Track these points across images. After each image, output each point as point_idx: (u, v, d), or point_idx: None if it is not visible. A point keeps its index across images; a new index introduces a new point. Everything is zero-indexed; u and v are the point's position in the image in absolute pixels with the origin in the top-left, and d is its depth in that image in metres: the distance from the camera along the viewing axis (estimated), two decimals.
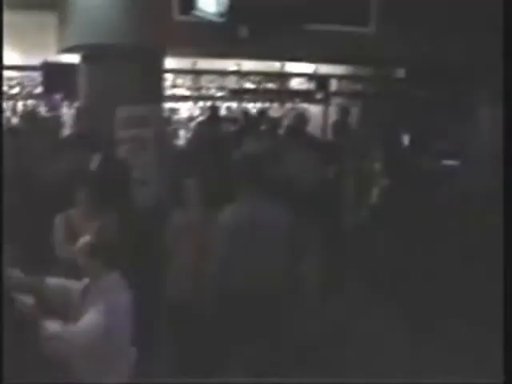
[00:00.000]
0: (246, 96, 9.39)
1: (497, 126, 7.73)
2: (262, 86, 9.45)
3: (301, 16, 6.09)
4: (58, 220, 3.99)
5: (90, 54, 6.44)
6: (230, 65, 8.92)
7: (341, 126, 7.56)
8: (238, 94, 9.32)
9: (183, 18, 6.01)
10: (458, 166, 6.98)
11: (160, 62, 6.67)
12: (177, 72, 8.71)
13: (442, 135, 7.70)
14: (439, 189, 5.92)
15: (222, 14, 5.87)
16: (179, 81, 8.93)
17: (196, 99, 9.16)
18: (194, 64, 8.70)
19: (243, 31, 5.83)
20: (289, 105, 9.60)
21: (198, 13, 5.84)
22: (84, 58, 6.65)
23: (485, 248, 5.19)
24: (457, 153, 7.28)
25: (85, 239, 3.07)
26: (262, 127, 7.38)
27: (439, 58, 6.95)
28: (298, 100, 9.61)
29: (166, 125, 7.60)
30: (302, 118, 6.77)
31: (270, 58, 8.22)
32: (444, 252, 5.28)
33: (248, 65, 8.91)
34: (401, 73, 9.50)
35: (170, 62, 7.59)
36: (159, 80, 6.79)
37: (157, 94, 6.67)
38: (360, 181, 5.93)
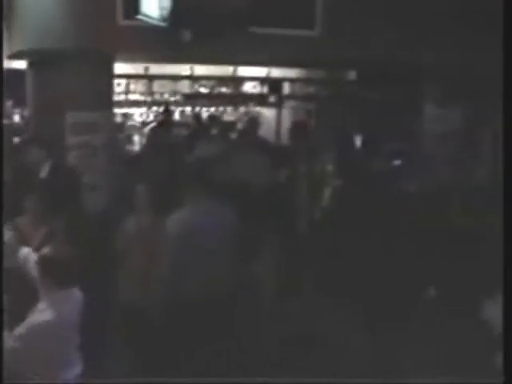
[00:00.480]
0: (200, 101, 9.38)
1: (445, 125, 7.96)
2: (215, 91, 9.45)
3: (245, 20, 6.05)
4: (6, 229, 3.93)
5: (36, 59, 6.33)
6: (183, 70, 8.89)
7: (294, 128, 7.61)
8: (191, 99, 9.31)
9: (127, 22, 5.95)
10: (408, 165, 7.10)
11: (109, 67, 6.58)
12: (128, 77, 8.64)
13: (392, 136, 7.83)
14: (391, 189, 6.01)
15: (165, 19, 5.79)
16: (132, 86, 8.88)
17: (149, 104, 9.11)
18: (147, 69, 8.65)
19: (187, 35, 5.78)
20: (242, 109, 9.63)
21: (141, 17, 5.79)
22: (30, 64, 6.55)
23: (437, 246, 5.29)
24: (407, 153, 7.41)
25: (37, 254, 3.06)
26: (214, 131, 7.39)
27: (388, 59, 7.05)
28: (251, 104, 9.64)
29: (118, 130, 7.54)
30: (254, 122, 6.81)
31: (215, 62, 8.19)
32: (397, 252, 5.36)
33: (201, 69, 8.90)
34: (352, 75, 9.62)
35: (122, 68, 7.55)
36: (109, 85, 6.70)
37: (107, 100, 6.59)
38: (312, 183, 5.97)
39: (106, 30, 5.91)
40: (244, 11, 5.89)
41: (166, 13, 5.67)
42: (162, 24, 5.84)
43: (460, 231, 5.04)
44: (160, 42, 5.87)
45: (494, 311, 3.71)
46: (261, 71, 9.43)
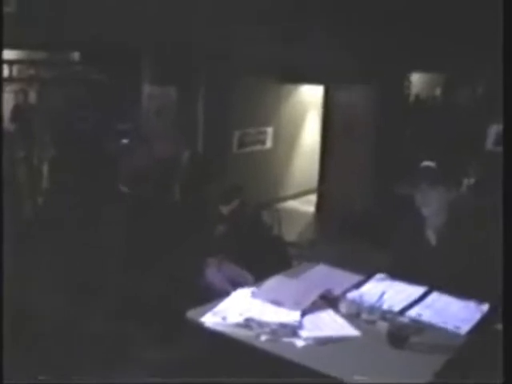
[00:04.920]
0: None
1: (163, 104, 8.27)
2: None
3: None
4: None
5: None
6: None
7: (15, 112, 7.29)
8: None
9: None
10: (135, 144, 7.25)
11: None
12: None
13: (121, 116, 7.91)
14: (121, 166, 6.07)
15: None
16: None
17: None
18: None
19: None
20: None
21: None
22: None
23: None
24: (134, 132, 7.56)
25: None
26: None
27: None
28: None
29: None
30: None
31: None
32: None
33: None
34: (76, 56, 9.42)
35: None
36: None
37: None
38: (31, 167, 5.79)
39: None
40: None
41: None
42: None
43: None
44: None
45: None
46: None
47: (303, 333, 3.17)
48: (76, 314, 4.79)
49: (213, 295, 3.85)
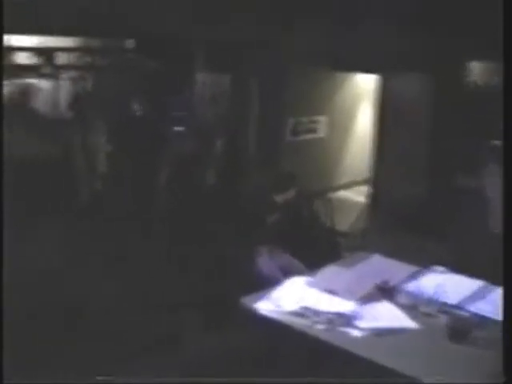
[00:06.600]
0: None
1: (216, 92, 8.27)
2: None
3: None
4: None
5: None
6: None
7: (73, 99, 7.42)
8: None
9: None
10: (186, 131, 7.30)
11: None
12: None
13: (173, 103, 7.96)
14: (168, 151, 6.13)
15: None
16: None
17: None
18: None
19: None
20: (15, 80, 9.05)
21: None
22: None
23: None
24: (184, 119, 7.59)
25: None
26: None
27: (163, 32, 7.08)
28: (24, 75, 9.09)
29: None
30: (25, 94, 6.49)
31: None
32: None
33: None
34: (131, 43, 9.51)
35: None
36: None
37: None
38: (89, 154, 5.89)
39: None
40: None
41: None
42: None
43: None
44: None
45: None
46: (32, 41, 8.93)
47: (360, 323, 3.12)
48: (132, 302, 4.88)
49: (265, 283, 3.85)
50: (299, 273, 4.01)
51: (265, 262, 4.55)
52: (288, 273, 4.14)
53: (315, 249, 5.18)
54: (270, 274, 4.35)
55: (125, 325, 4.40)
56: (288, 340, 3.14)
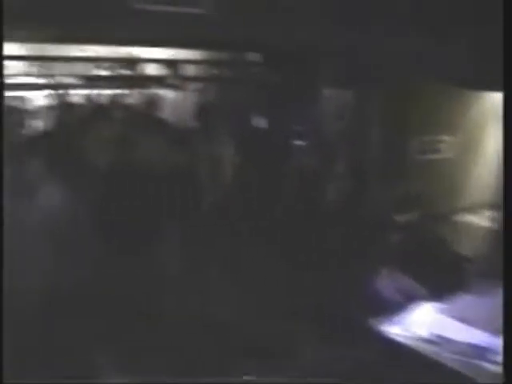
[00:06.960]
0: (100, 83, 9.12)
1: (341, 107, 8.19)
2: (115, 73, 9.21)
3: None
4: None
5: None
6: (78, 50, 8.59)
7: (198, 110, 7.61)
8: (90, 81, 9.03)
9: None
10: (307, 145, 7.27)
11: None
12: (19, 59, 8.26)
13: (295, 117, 7.97)
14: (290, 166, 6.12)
15: None
16: (29, 69, 8.50)
17: (48, 87, 8.75)
18: (43, 50, 8.30)
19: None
20: (143, 91, 9.46)
21: None
22: None
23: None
24: (307, 134, 7.58)
25: None
26: (114, 114, 7.25)
27: (286, 41, 7.09)
28: (152, 86, 9.48)
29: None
30: (152, 104, 6.72)
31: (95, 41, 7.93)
32: (302, 230, 5.45)
33: (101, 50, 8.65)
34: (255, 57, 9.66)
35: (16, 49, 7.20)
36: None
37: None
38: (214, 166, 5.99)
39: None
40: None
41: None
42: None
43: None
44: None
45: None
46: (161, 53, 9.30)
47: (495, 357, 2.92)
48: (246, 312, 4.89)
49: (384, 304, 3.72)
50: (420, 297, 3.84)
51: (384, 283, 4.41)
52: (408, 296, 3.98)
53: (437, 272, 4.95)
54: (389, 295, 4.20)
55: (240, 334, 4.41)
56: (415, 364, 3.00)
